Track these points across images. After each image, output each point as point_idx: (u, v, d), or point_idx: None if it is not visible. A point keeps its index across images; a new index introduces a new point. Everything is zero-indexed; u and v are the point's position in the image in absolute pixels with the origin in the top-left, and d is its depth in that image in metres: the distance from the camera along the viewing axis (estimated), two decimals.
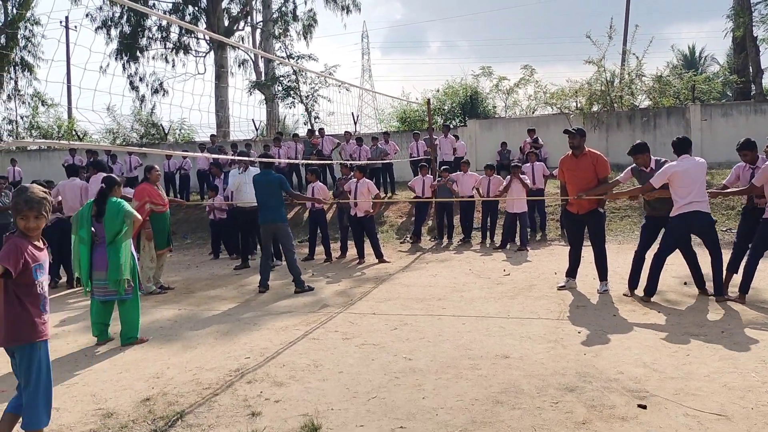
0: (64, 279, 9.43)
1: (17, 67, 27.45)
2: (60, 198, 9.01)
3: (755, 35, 18.87)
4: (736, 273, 6.46)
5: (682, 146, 6.24)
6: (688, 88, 17.70)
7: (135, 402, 4.05)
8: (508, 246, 10.93)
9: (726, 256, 6.49)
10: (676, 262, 6.68)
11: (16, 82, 27.79)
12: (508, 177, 11.03)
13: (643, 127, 16.73)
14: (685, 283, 6.98)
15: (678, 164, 6.09)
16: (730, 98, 20.62)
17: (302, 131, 18.61)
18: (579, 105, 17.88)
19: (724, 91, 21.00)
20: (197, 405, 3.93)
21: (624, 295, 6.67)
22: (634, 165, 6.76)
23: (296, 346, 5.21)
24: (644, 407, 3.56)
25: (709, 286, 6.45)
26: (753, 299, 6.18)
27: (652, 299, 6.31)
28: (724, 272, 6.38)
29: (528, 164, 11.83)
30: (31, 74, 27.93)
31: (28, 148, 21.89)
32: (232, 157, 13.07)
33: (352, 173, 10.72)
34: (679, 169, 6.03)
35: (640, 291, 6.54)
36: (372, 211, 10.30)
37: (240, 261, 10.43)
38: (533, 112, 20.25)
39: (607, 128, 17.04)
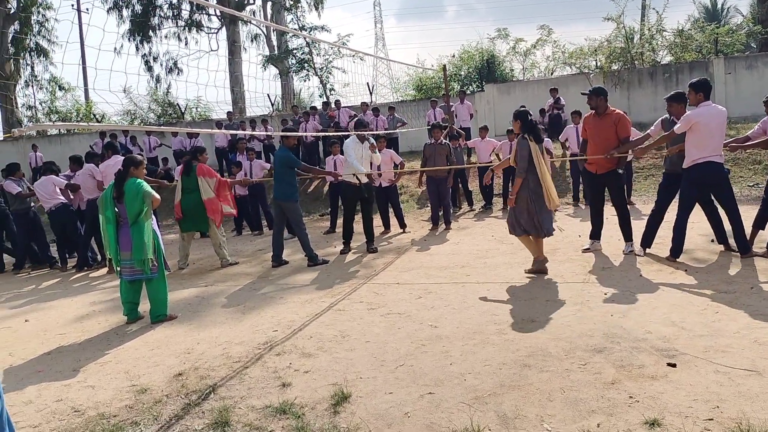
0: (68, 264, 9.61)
1: (32, 53, 27.63)
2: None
3: None
4: (763, 229, 6.34)
5: (703, 88, 5.97)
6: (710, 42, 17.25)
7: (168, 377, 4.12)
8: None
9: (753, 211, 6.38)
10: (702, 219, 6.58)
11: (32, 68, 28.02)
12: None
13: (665, 84, 16.36)
14: (713, 241, 6.87)
15: (701, 112, 5.88)
16: (755, 50, 20.05)
17: (318, 104, 18.50)
18: (599, 64, 17.55)
19: (748, 43, 20.45)
20: (228, 378, 3.99)
21: (636, 254, 6.62)
22: (665, 116, 6.59)
23: (322, 318, 5.25)
24: (674, 366, 3.53)
25: (733, 243, 6.36)
26: None
27: (679, 259, 6.23)
28: (750, 228, 6.27)
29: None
30: (46, 59, 28.15)
31: (49, 133, 22.11)
32: (252, 133, 13.09)
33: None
34: (701, 119, 5.84)
35: (654, 249, 6.48)
36: (395, 180, 10.29)
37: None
38: (552, 74, 19.93)
39: (628, 86, 16.70)
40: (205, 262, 8.86)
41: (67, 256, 9.86)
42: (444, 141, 10.06)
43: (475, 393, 3.41)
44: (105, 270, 8.97)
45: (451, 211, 11.56)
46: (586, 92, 6.73)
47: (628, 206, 7.49)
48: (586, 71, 17.38)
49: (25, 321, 6.27)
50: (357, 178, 8.17)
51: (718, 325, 4.19)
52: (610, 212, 7.19)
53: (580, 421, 2.97)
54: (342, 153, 8.28)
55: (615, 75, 16.78)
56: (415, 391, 3.51)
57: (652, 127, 6.69)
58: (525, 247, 6.45)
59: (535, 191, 5.94)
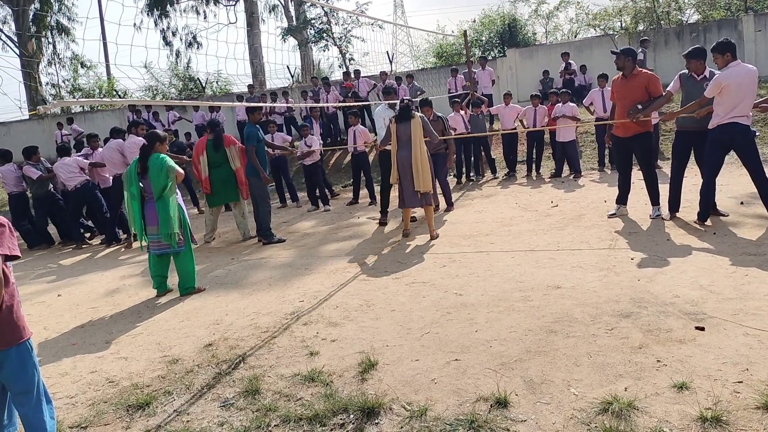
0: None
1: (54, 31, 27.78)
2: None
3: None
4: None
5: (728, 47, 5.77)
6: None
7: (198, 348, 4.21)
8: (562, 174, 10.91)
9: None
10: (730, 182, 6.46)
11: (54, 46, 28.19)
12: (559, 104, 10.80)
13: (692, 44, 15.67)
14: (742, 203, 6.76)
15: (730, 73, 5.72)
16: None
17: (338, 74, 18.40)
18: (623, 25, 17.14)
19: None
20: (257, 348, 4.06)
21: (663, 218, 6.52)
22: (684, 72, 6.44)
23: (348, 288, 5.29)
24: (702, 329, 3.51)
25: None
26: None
27: (707, 222, 6.13)
28: None
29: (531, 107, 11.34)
30: (68, 37, 28.27)
31: (73, 111, 22.34)
32: (271, 104, 13.09)
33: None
34: (731, 80, 5.69)
35: (682, 213, 6.40)
36: None
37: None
38: (575, 36, 19.52)
39: (654, 47, 16.26)
40: (231, 236, 8.95)
41: (95, 232, 10.05)
42: (438, 116, 9.15)
43: (501, 359, 3.42)
44: (135, 244, 9.11)
45: (450, 188, 11.06)
46: (616, 50, 6.61)
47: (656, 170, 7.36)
48: (611, 33, 16.97)
49: (58, 296, 6.43)
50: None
51: (747, 288, 4.13)
52: (636, 176, 7.08)
53: (608, 385, 2.97)
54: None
55: (640, 36, 16.36)
56: (441, 358, 3.54)
57: (671, 84, 6.52)
58: (546, 215, 6.39)
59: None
